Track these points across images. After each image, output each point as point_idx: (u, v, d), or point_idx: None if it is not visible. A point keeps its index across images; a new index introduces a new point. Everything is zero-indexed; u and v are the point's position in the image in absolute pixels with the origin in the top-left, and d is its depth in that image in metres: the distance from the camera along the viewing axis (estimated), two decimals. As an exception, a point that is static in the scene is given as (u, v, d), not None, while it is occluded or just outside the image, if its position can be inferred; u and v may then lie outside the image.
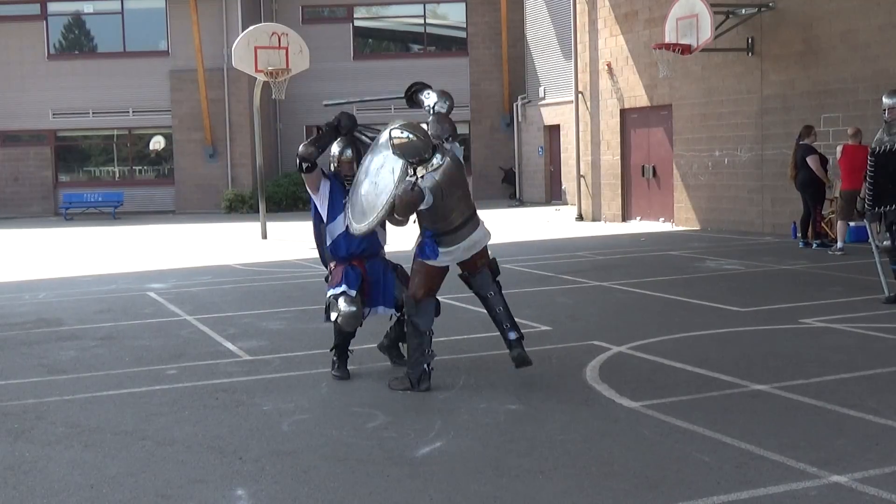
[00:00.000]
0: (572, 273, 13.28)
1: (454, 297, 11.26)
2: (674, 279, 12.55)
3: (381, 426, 6.07)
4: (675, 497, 4.67)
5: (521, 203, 32.17)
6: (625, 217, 22.76)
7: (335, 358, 7.52)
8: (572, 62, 24.55)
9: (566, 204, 29.49)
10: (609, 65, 22.80)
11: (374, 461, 5.38)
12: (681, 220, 20.84)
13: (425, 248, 7.10)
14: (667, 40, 18.66)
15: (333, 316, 7.30)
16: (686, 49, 18.29)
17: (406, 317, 7.13)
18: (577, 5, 23.94)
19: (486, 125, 34.63)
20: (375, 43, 36.53)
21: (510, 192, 33.66)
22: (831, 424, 5.78)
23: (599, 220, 23.37)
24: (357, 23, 35.17)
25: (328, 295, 7.37)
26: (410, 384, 6.95)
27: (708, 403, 6.35)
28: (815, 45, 17.37)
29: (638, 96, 22.07)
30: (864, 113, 16.03)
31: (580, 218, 24.03)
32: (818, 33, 17.31)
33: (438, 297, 7.28)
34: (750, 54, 18.73)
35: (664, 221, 21.43)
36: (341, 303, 7.24)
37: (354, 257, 7.41)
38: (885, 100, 10.58)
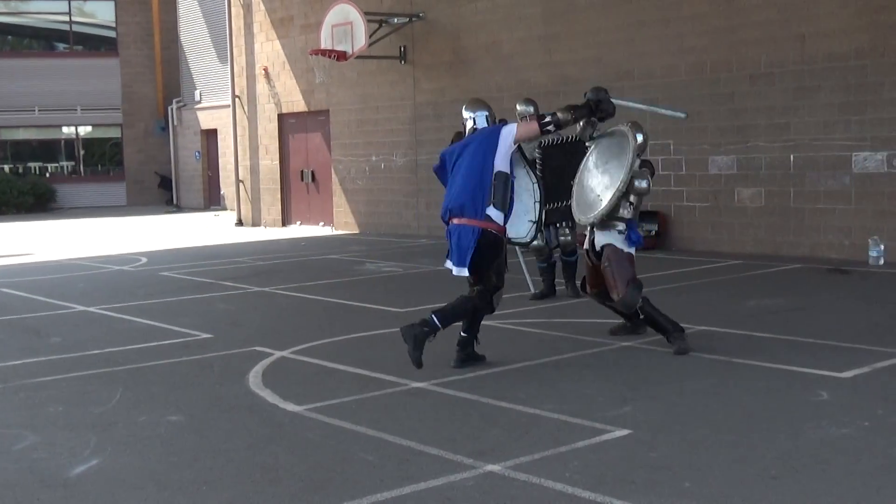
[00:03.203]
0: (233, 279, 13.11)
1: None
2: (335, 282, 12.70)
3: (29, 447, 5.69)
4: (341, 497, 4.70)
5: (179, 209, 31.42)
6: (285, 222, 22.79)
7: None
8: (229, 66, 24.27)
9: (225, 209, 29.12)
10: (266, 69, 22.75)
11: (24, 485, 5.03)
12: (340, 224, 21.15)
13: (632, 235, 7.78)
14: (323, 46, 18.86)
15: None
16: (342, 56, 18.58)
17: (631, 308, 7.80)
18: (232, 8, 23.69)
19: (139, 129, 33.51)
20: (16, 40, 34.31)
21: (167, 197, 32.80)
22: (485, 416, 6.05)
23: (259, 226, 23.25)
24: (-5, 18, 32.95)
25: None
26: (687, 347, 7.56)
27: (370, 403, 6.46)
28: (463, 56, 18.20)
29: (295, 101, 22.16)
30: (510, 119, 16.93)
31: (240, 223, 23.81)
32: (465, 44, 18.15)
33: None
34: (403, 62, 19.32)
35: (324, 226, 21.66)
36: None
37: None
38: (519, 107, 10.92)
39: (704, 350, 7.71)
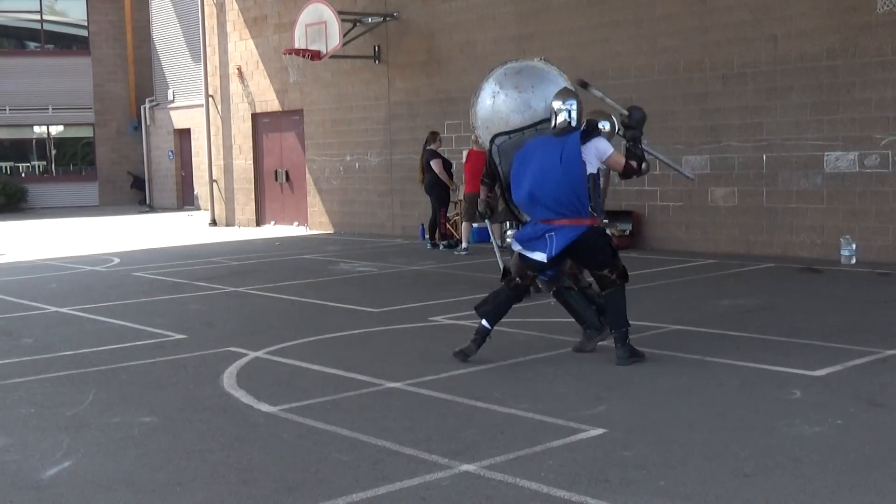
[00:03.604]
0: (207, 279, 13.06)
1: (84, 307, 10.73)
2: (309, 282, 12.68)
3: (1, 449, 5.64)
4: (315, 498, 4.69)
5: (152, 209, 31.26)
6: (259, 222, 22.71)
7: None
8: (202, 65, 24.16)
9: (199, 209, 28.99)
10: (239, 69, 22.67)
11: (-5, 488, 4.99)
12: (314, 223, 21.09)
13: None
14: (296, 46, 18.82)
15: None
16: (315, 55, 18.54)
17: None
18: (206, 8, 23.59)
19: (112, 128, 33.29)
20: (-14, 39, 34.03)
21: (140, 197, 32.62)
22: (461, 416, 6.05)
23: (233, 226, 23.17)
24: (-35, 16, 32.60)
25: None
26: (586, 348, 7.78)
27: (345, 403, 6.45)
28: (438, 55, 18.20)
29: (269, 101, 22.09)
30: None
31: (214, 223, 23.71)
32: (440, 44, 18.15)
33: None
34: (377, 62, 19.30)
35: (298, 225, 21.60)
36: None
37: None
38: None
39: (678, 349, 7.75)
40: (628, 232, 15.27)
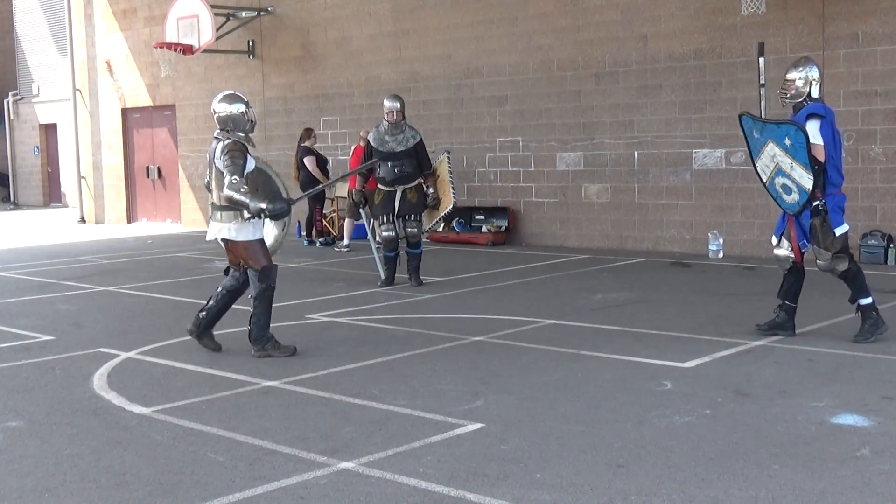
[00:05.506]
0: (76, 279, 12.70)
1: (-58, 309, 10.31)
2: (183, 281, 12.45)
3: None
4: (191, 499, 4.61)
5: (17, 206, 30.28)
6: (130, 219, 22.20)
7: None
8: (69, 58, 23.47)
9: (67, 206, 28.20)
10: (109, 62, 22.10)
11: None
12: (188, 221, 20.72)
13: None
14: (168, 40, 18.43)
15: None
16: (188, 49, 18.20)
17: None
18: (73, -1, 22.92)
19: (-27, 123, 32.08)
20: None
21: (4, 194, 31.57)
22: (339, 414, 6.03)
23: (104, 223, 22.59)
24: None
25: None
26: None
27: (221, 403, 6.35)
28: (313, 51, 18.07)
29: (140, 95, 21.61)
30: (359, 116, 16.97)
31: (83, 221, 23.08)
32: (315, 39, 18.03)
33: None
34: (251, 57, 19.07)
35: (171, 223, 21.19)
36: None
37: None
38: (386, 103, 11.32)
39: (553, 343, 7.86)
40: (504, 228, 15.44)
